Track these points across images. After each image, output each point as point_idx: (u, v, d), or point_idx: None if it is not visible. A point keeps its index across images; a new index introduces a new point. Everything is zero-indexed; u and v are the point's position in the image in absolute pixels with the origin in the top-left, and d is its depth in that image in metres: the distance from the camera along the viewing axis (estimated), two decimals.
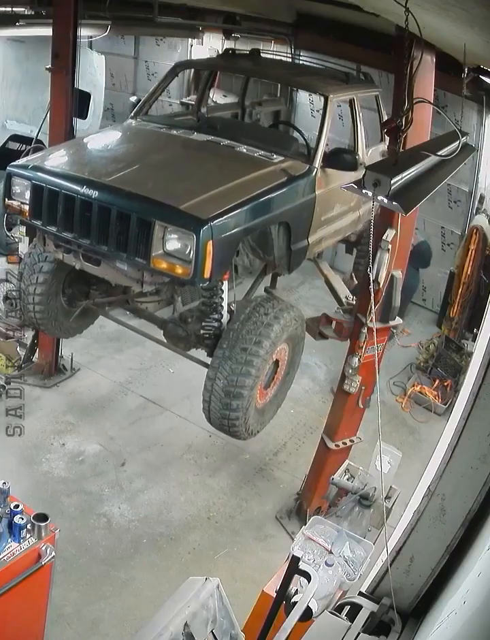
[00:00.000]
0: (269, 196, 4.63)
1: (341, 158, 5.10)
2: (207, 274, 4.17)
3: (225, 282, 4.65)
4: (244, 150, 5.08)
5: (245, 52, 6.59)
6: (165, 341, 5.20)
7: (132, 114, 5.74)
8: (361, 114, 5.70)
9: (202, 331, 4.88)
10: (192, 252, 4.12)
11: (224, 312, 4.81)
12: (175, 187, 4.51)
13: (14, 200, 4.91)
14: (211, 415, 4.70)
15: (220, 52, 7.34)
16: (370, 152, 5.93)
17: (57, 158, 4.89)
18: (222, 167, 4.96)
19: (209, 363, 4.73)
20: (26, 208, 4.78)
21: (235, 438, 4.93)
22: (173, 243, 4.24)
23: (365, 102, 6.11)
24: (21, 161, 4.87)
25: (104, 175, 4.49)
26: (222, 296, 4.72)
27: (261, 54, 6.65)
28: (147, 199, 4.28)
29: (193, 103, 7.27)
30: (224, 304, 4.77)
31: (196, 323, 4.93)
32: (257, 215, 4.54)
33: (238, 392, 4.53)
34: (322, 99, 5.50)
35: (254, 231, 4.61)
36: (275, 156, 5.05)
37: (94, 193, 4.33)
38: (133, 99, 6.02)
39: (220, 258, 4.26)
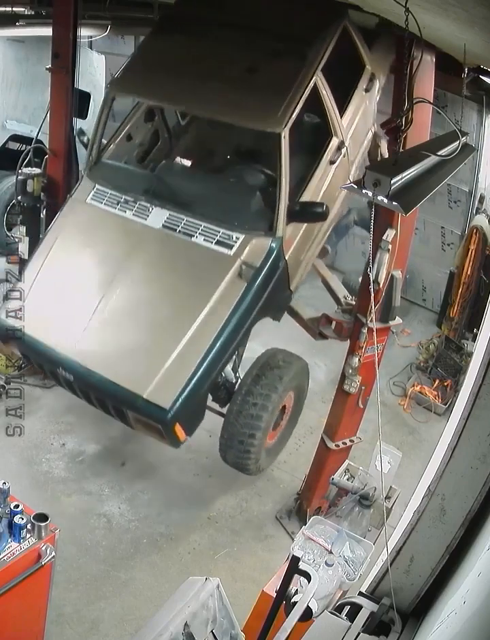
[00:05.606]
0: (233, 324, 4.63)
1: (309, 213, 4.80)
2: (182, 439, 4.65)
3: None
4: (202, 242, 4.81)
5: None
6: None
7: (85, 166, 5.57)
8: (329, 96, 4.92)
9: None
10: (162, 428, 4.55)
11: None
12: (136, 359, 4.67)
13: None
14: (228, 461, 5.34)
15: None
16: (348, 114, 5.23)
17: (31, 314, 4.99)
18: (180, 302, 4.80)
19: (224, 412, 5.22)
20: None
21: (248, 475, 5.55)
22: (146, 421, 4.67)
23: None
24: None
25: (72, 344, 4.76)
26: None
27: None
28: (115, 386, 4.58)
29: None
30: None
31: None
32: (223, 354, 4.71)
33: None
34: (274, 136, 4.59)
35: (224, 368, 4.88)
36: (235, 236, 4.75)
37: (71, 377, 4.81)
38: (79, 128, 5.88)
39: (192, 421, 4.70)
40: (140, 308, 4.87)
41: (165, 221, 4.96)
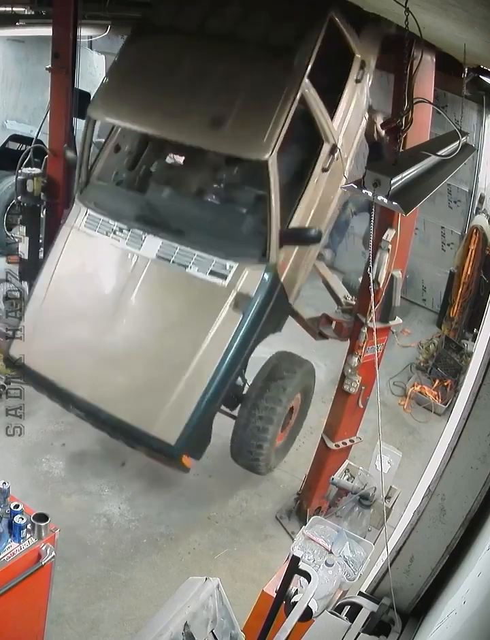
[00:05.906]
0: (233, 354, 4.68)
1: (302, 237, 4.79)
2: (189, 466, 4.81)
3: None
4: (196, 272, 4.76)
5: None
6: None
7: (76, 188, 5.45)
8: (318, 102, 4.68)
9: None
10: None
11: None
12: (141, 396, 4.82)
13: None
14: (239, 463, 5.47)
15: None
16: (340, 111, 4.98)
17: (38, 352, 5.17)
18: (179, 336, 4.83)
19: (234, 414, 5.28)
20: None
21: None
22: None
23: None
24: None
25: (79, 382, 4.94)
26: None
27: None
28: (123, 423, 4.76)
29: None
30: None
31: None
32: (226, 383, 4.76)
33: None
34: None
35: (228, 391, 4.92)
36: (228, 265, 4.69)
37: (82, 414, 5.05)
38: (66, 148, 5.87)
39: (199, 448, 4.86)
40: (142, 343, 4.93)
41: (158, 251, 4.92)
